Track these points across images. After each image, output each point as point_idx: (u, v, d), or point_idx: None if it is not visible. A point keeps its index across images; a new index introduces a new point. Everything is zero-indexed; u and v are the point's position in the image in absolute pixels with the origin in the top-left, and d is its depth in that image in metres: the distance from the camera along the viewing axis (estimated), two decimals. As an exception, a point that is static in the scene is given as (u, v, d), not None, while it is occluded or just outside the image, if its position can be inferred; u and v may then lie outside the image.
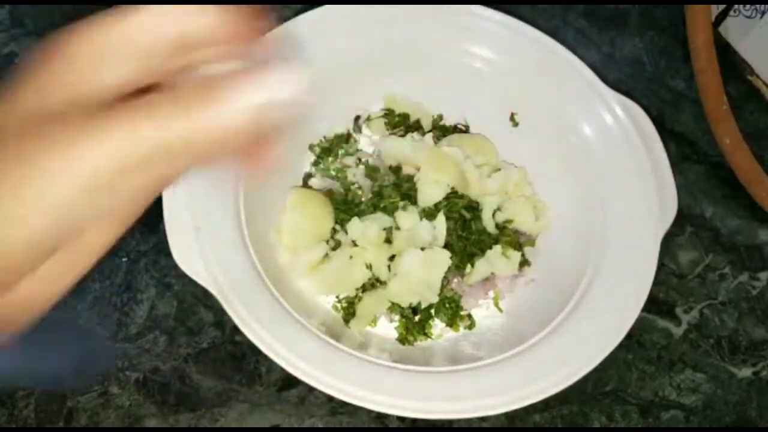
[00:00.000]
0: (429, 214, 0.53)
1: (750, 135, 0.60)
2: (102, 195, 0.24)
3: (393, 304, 0.52)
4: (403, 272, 0.51)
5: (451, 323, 0.52)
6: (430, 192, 0.53)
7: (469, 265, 0.53)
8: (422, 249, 0.51)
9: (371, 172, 0.56)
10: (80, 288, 0.53)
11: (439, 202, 0.53)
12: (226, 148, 0.24)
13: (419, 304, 0.52)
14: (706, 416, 0.53)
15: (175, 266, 0.46)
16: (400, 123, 0.57)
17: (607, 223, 0.51)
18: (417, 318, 0.52)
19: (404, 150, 0.54)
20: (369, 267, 0.52)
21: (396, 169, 0.55)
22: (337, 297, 0.53)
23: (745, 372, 0.55)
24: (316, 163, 0.56)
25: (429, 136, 0.56)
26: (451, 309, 0.53)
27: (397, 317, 0.52)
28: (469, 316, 0.53)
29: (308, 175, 0.56)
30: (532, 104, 0.55)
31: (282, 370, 0.44)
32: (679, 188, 0.51)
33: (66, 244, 0.26)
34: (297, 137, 0.56)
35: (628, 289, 0.48)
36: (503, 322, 0.53)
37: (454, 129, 0.58)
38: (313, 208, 0.53)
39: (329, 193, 0.55)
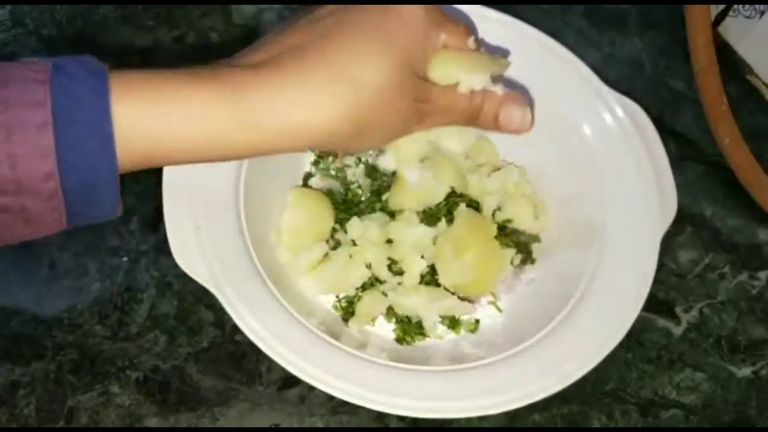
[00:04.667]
0: (429, 214, 0.54)
1: (750, 135, 0.60)
2: None
3: (390, 309, 0.52)
4: (423, 304, 0.51)
5: (453, 326, 0.52)
6: (430, 192, 0.53)
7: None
8: (461, 298, 0.52)
9: (370, 171, 0.56)
10: (80, 288, 0.53)
11: (439, 202, 0.54)
12: None
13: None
14: (705, 415, 0.53)
15: (176, 266, 0.46)
16: (400, 123, 0.57)
17: (607, 223, 0.51)
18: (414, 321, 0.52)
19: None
20: (369, 266, 0.52)
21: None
22: (337, 296, 0.53)
23: (745, 371, 0.55)
24: (316, 163, 0.56)
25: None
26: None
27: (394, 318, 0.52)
28: (477, 321, 0.53)
29: (308, 175, 0.56)
30: (532, 104, 0.55)
31: (282, 369, 0.44)
32: (679, 188, 0.52)
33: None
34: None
35: (628, 289, 0.49)
36: (503, 322, 0.53)
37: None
38: (313, 208, 0.53)
39: (329, 193, 0.55)
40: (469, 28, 0.41)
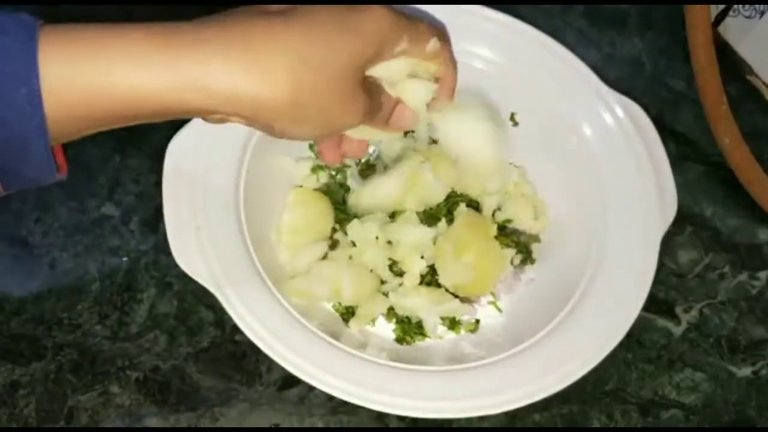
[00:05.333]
0: (429, 215, 0.53)
1: (749, 135, 0.60)
2: None
3: (390, 310, 0.52)
4: (424, 306, 0.51)
5: (453, 326, 0.52)
6: (430, 192, 0.53)
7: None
8: (457, 296, 0.52)
9: (366, 170, 0.56)
10: (80, 288, 0.53)
11: (440, 203, 0.54)
12: None
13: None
14: (705, 415, 0.53)
15: (176, 266, 0.46)
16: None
17: (607, 223, 0.51)
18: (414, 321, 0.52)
19: (404, 149, 0.55)
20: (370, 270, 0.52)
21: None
22: (337, 297, 0.53)
23: (745, 371, 0.55)
24: (315, 163, 0.56)
25: (429, 136, 0.56)
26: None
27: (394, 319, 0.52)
28: (477, 321, 0.53)
29: (308, 175, 0.56)
30: (532, 104, 0.55)
31: (282, 369, 0.44)
32: (679, 188, 0.52)
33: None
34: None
35: (628, 289, 0.49)
36: (503, 322, 0.53)
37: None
38: (313, 208, 0.53)
39: (329, 193, 0.55)
40: (435, 30, 0.40)
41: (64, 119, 0.31)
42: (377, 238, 0.52)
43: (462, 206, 0.53)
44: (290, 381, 0.50)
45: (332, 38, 0.35)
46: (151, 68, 0.32)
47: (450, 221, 0.53)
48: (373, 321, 0.52)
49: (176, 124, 0.49)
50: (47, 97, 0.30)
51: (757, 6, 0.61)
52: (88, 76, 0.31)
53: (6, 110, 0.29)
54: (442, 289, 0.52)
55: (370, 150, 0.57)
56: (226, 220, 0.48)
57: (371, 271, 0.52)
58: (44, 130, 0.30)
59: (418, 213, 0.53)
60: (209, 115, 0.34)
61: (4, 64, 0.29)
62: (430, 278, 0.52)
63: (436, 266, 0.52)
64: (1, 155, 0.30)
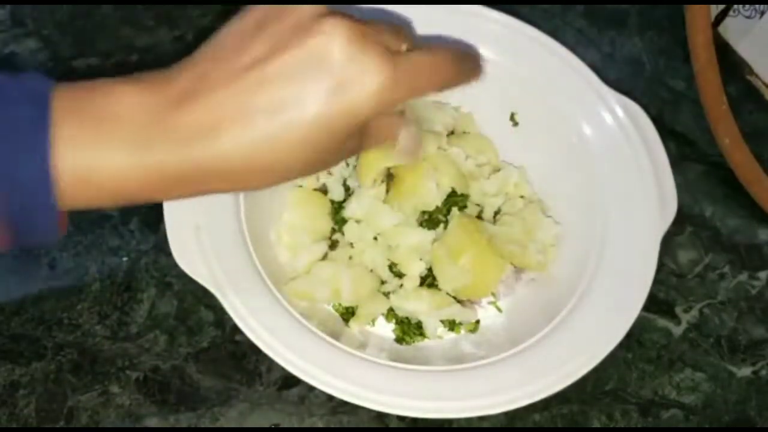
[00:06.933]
0: (428, 217, 0.53)
1: (749, 135, 0.60)
2: None
3: (390, 311, 0.52)
4: (425, 311, 0.51)
5: (452, 327, 0.52)
6: (428, 194, 0.53)
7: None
8: (460, 301, 0.52)
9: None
10: (80, 288, 0.53)
11: (438, 206, 0.53)
12: None
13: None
14: (705, 415, 0.53)
15: (176, 266, 0.46)
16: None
17: (607, 223, 0.51)
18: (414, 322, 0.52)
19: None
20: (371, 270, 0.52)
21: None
22: (337, 297, 0.53)
23: (745, 371, 0.55)
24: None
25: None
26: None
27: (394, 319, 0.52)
28: (477, 321, 0.53)
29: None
30: (532, 104, 0.55)
31: (282, 369, 0.44)
32: (679, 188, 0.52)
33: None
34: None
35: (628, 289, 0.49)
36: (503, 322, 0.53)
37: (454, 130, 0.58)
38: (313, 208, 0.53)
39: (328, 193, 0.55)
40: (402, 29, 0.36)
41: (72, 196, 0.31)
42: (376, 238, 0.52)
43: (454, 210, 0.53)
44: (290, 381, 0.50)
45: (319, 137, 0.32)
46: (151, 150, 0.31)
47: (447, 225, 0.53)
48: (373, 321, 0.52)
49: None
50: (56, 174, 0.29)
51: (757, 6, 0.61)
52: (95, 154, 0.30)
53: (13, 188, 0.29)
54: (443, 293, 0.52)
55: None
56: (226, 220, 0.48)
57: (371, 271, 0.52)
58: (53, 207, 0.30)
59: (417, 216, 0.53)
60: None
61: (14, 140, 0.29)
62: (431, 280, 0.52)
63: (434, 272, 0.52)
64: (8, 227, 0.30)
